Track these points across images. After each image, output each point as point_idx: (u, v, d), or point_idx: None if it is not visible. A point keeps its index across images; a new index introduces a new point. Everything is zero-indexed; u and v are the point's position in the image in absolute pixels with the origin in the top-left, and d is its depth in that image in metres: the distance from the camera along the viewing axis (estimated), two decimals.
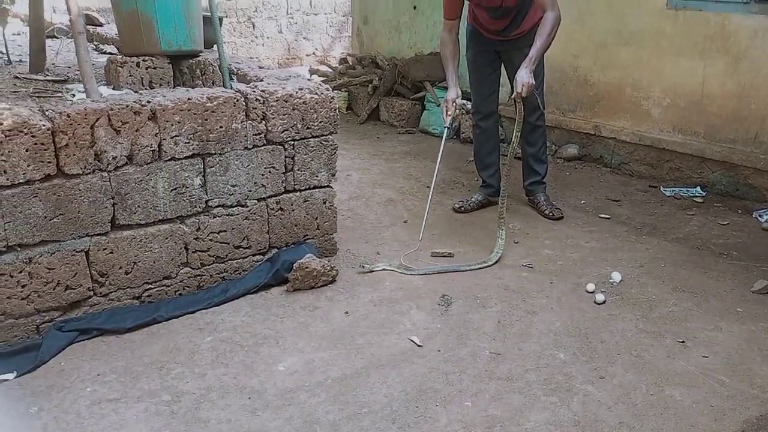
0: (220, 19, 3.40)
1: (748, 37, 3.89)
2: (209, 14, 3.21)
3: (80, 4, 3.00)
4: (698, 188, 4.19)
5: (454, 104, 3.39)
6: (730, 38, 3.98)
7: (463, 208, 3.81)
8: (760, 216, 3.76)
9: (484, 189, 3.89)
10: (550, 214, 3.74)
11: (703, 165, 4.23)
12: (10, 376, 2.24)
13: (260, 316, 2.66)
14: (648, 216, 3.81)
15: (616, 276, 3.00)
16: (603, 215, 3.81)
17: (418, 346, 2.47)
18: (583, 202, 4.04)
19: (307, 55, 10.15)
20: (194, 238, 2.74)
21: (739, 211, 3.88)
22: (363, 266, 3.07)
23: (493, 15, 3.46)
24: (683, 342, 2.51)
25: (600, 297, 2.81)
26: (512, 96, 3.31)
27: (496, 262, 3.17)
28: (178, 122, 2.56)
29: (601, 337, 2.55)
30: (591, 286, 2.91)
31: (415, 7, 6.44)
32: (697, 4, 4.09)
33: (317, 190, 3.05)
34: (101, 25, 6.19)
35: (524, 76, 3.20)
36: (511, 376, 2.30)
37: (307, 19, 10.16)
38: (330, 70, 7.27)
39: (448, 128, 3.44)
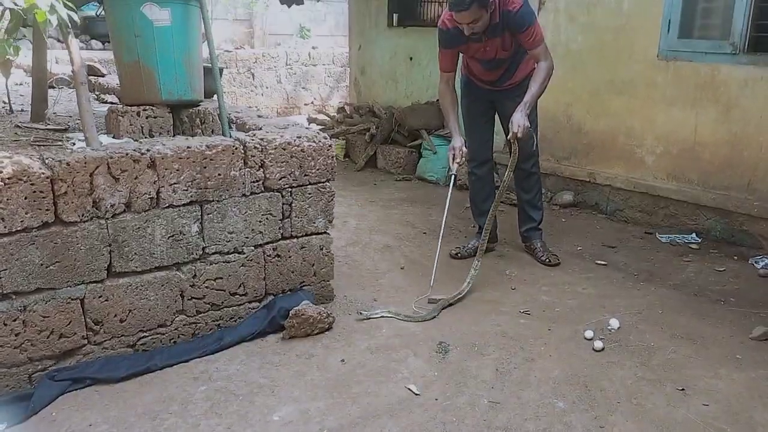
0: (221, 70, 3.47)
1: (738, 86, 3.98)
2: (210, 65, 3.28)
3: (83, 56, 3.06)
4: (693, 235, 4.21)
5: (461, 152, 3.46)
6: (720, 88, 4.06)
7: (459, 255, 3.82)
8: (756, 262, 3.77)
9: (480, 235, 3.90)
10: (547, 260, 3.74)
11: (698, 212, 4.26)
12: (0, 427, 2.20)
13: (255, 365, 2.63)
14: (644, 262, 3.82)
15: (614, 323, 2.99)
16: (599, 262, 3.81)
17: (416, 394, 2.44)
18: (579, 248, 4.05)
19: (305, 105, 10.33)
20: (190, 286, 2.73)
21: (735, 257, 3.89)
22: (361, 312, 3.06)
23: (487, 66, 3.54)
24: (683, 390, 2.48)
25: (598, 344, 2.79)
26: (508, 137, 3.38)
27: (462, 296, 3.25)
28: (177, 170, 2.58)
29: (601, 385, 2.52)
30: (589, 333, 2.89)
31: (411, 59, 6.59)
32: (687, 55, 4.19)
33: (314, 236, 3.06)
34: (103, 75, 6.30)
35: (519, 118, 3.28)
36: (510, 426, 2.26)
37: (306, 70, 10.38)
38: (328, 118, 7.38)
39: (455, 175, 3.52)
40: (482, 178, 3.85)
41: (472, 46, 3.44)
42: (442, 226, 3.47)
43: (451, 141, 3.53)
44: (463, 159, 3.50)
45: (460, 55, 3.60)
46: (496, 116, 3.79)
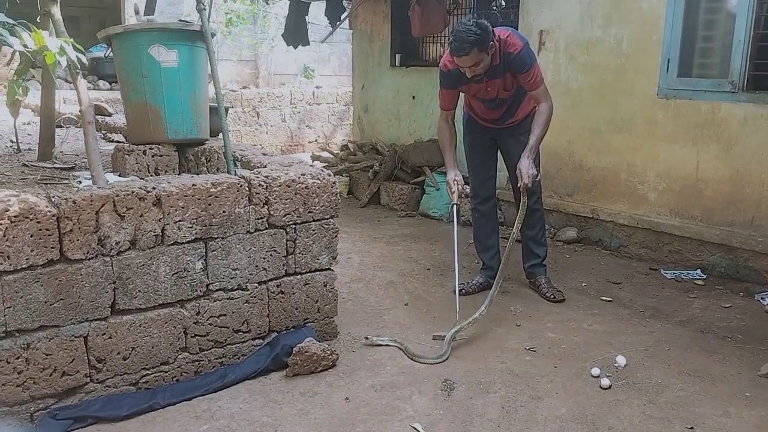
0: (226, 109, 3.52)
1: (738, 124, 4.01)
2: (216, 104, 3.34)
3: (91, 96, 3.12)
4: (698, 271, 4.20)
5: (456, 182, 3.52)
6: (720, 125, 4.10)
7: (464, 291, 3.79)
8: (762, 299, 3.75)
9: (484, 271, 3.90)
10: (552, 296, 3.73)
11: (702, 248, 4.25)
12: None
13: (258, 403, 2.61)
14: (650, 299, 3.80)
15: (621, 360, 2.96)
16: (605, 298, 3.79)
17: None
18: (584, 284, 4.04)
19: (309, 142, 10.44)
20: (194, 323, 2.72)
21: (741, 293, 3.87)
22: (367, 337, 3.10)
23: (489, 105, 3.59)
24: (692, 428, 2.44)
25: (605, 381, 2.76)
26: (519, 186, 3.41)
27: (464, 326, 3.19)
28: (182, 207, 2.60)
29: (608, 423, 2.48)
30: (596, 371, 2.86)
31: (413, 98, 6.68)
32: (687, 93, 4.24)
33: (318, 273, 3.05)
34: (110, 115, 6.39)
35: (527, 166, 3.32)
36: None
37: (310, 109, 10.52)
38: (331, 156, 7.44)
39: (457, 205, 3.55)
40: (485, 214, 3.86)
41: (473, 87, 3.49)
42: (456, 258, 3.46)
43: (446, 176, 3.59)
44: (461, 188, 3.54)
45: (461, 93, 3.66)
46: (499, 153, 3.83)
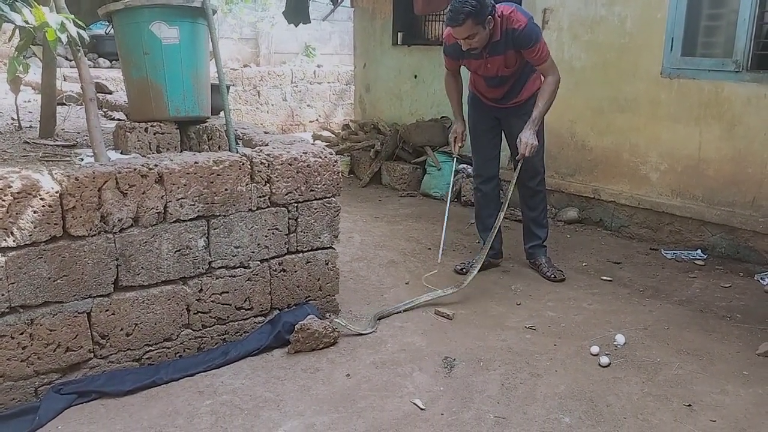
0: (228, 88, 3.50)
1: (742, 104, 3.99)
2: (217, 83, 3.32)
3: (92, 74, 3.10)
4: (699, 251, 4.21)
5: (462, 135, 3.74)
6: (724, 105, 4.08)
7: (465, 270, 3.82)
8: (762, 279, 3.76)
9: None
10: (552, 276, 3.74)
11: (703, 228, 4.26)
12: None
13: (261, 379, 2.63)
14: (650, 278, 3.81)
15: (620, 338, 2.98)
16: (605, 277, 3.81)
17: (421, 409, 2.44)
18: (584, 264, 4.05)
19: (310, 122, 10.41)
20: (196, 300, 2.74)
21: (741, 273, 3.88)
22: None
23: (491, 83, 3.58)
24: (690, 405, 2.47)
25: (604, 359, 2.78)
26: (517, 157, 3.41)
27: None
28: (185, 185, 2.60)
29: (607, 400, 2.51)
30: (595, 349, 2.88)
31: (415, 77, 6.64)
32: (691, 73, 4.21)
33: (320, 251, 3.07)
34: (111, 92, 6.36)
35: (528, 136, 3.33)
36: None
37: (311, 88, 10.48)
38: (333, 135, 7.42)
39: (459, 158, 3.75)
40: (487, 194, 3.86)
41: (473, 62, 3.48)
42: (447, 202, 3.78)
43: (453, 125, 3.79)
44: (463, 141, 3.72)
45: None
46: (503, 133, 3.82)
